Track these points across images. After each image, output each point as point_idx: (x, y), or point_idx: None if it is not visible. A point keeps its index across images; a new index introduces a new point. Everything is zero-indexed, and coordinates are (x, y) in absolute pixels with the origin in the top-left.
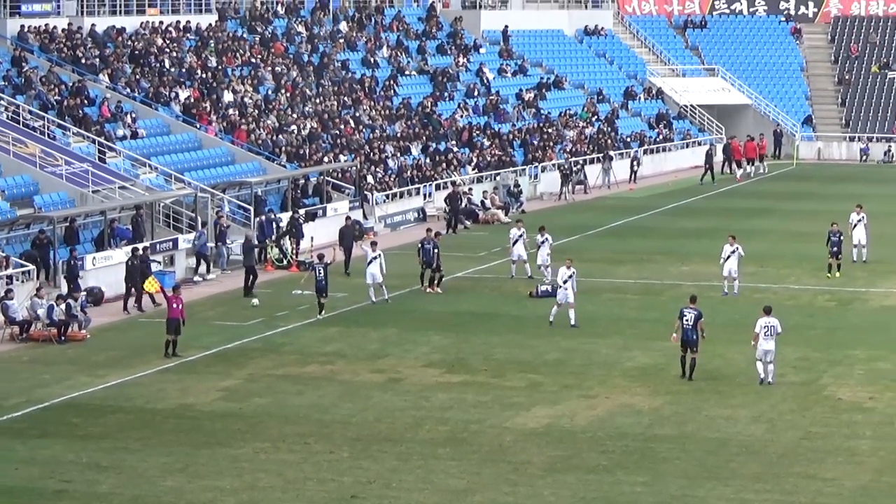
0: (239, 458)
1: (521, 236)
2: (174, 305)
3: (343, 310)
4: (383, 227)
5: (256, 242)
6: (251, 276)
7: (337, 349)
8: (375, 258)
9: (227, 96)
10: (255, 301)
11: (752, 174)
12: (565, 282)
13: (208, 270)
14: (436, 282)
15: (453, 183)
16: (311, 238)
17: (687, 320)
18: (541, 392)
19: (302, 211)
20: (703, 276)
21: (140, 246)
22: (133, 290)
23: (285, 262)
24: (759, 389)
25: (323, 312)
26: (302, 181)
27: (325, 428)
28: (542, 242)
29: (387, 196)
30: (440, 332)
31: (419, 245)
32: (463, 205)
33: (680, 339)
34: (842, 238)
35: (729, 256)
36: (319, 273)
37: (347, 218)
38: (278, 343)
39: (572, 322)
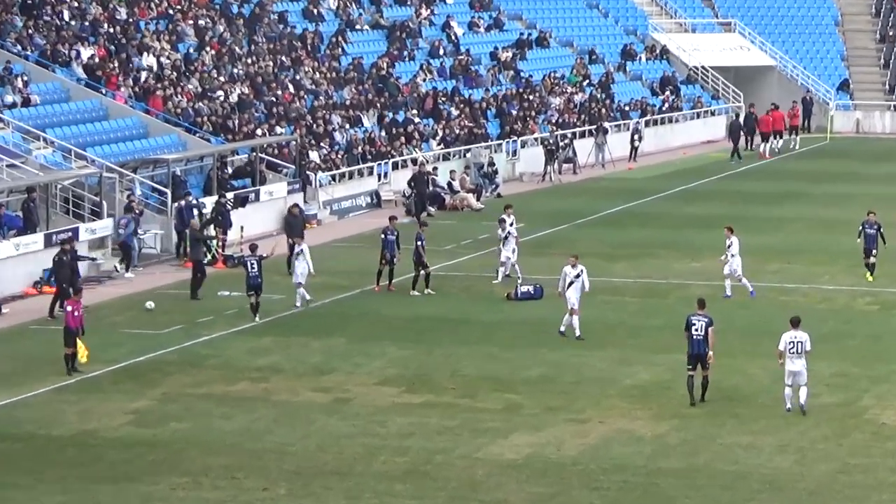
0: (152, 495)
1: (511, 224)
2: (74, 313)
3: (280, 315)
4: (329, 214)
5: (203, 234)
6: (198, 274)
7: (272, 363)
8: (300, 253)
9: (141, 56)
10: (150, 304)
11: (779, 150)
12: (571, 283)
13: (127, 268)
14: (425, 281)
15: (415, 161)
16: (241, 228)
17: (697, 330)
18: (520, 416)
19: (230, 195)
20: (717, 274)
21: (60, 233)
22: (63, 290)
23: (209, 256)
24: (786, 413)
25: (258, 315)
26: (230, 158)
27: (257, 459)
28: (507, 237)
29: (333, 177)
30: (398, 342)
31: (382, 235)
32: (428, 188)
33: (688, 353)
34: (881, 230)
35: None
36: (252, 268)
37: (294, 205)
38: (201, 355)
39: (561, 329)
